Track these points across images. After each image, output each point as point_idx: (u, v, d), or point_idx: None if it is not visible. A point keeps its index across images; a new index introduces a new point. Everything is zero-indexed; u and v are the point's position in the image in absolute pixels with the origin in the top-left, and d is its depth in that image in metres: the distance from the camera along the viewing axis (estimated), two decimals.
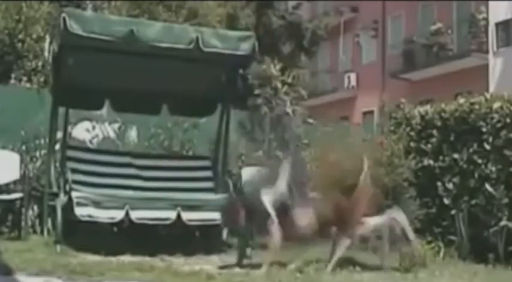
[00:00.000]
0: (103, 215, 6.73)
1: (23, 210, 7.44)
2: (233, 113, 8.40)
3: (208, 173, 8.12)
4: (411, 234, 6.45)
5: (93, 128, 9.28)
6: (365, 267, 6.17)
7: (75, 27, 6.64)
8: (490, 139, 7.45)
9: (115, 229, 7.80)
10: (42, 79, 14.19)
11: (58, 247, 6.43)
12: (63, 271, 5.29)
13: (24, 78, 14.92)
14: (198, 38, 6.97)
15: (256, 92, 9.12)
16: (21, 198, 7.41)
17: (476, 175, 7.53)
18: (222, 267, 6.10)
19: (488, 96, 7.82)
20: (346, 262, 6.20)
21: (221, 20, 22.94)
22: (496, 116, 7.44)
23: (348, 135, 9.17)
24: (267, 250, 6.19)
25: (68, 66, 7.09)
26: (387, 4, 26.52)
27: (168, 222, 6.97)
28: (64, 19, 6.63)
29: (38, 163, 8.29)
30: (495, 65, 21.91)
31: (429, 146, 8.08)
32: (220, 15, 23.99)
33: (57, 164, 7.60)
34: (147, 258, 6.24)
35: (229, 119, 8.22)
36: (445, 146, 7.91)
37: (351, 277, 5.81)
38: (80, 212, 6.58)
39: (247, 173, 7.47)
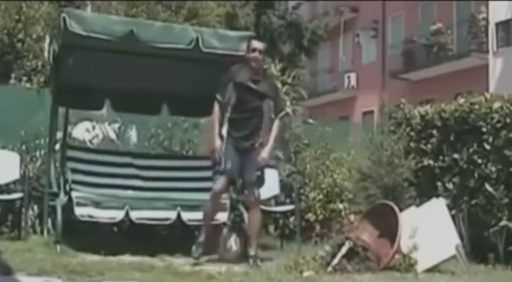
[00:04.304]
0: (103, 215, 6.73)
1: (23, 210, 7.44)
2: None
3: (208, 173, 8.09)
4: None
5: (93, 128, 9.28)
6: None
7: (75, 27, 6.61)
8: (490, 139, 7.43)
9: (115, 229, 7.81)
10: (42, 79, 14.18)
11: (58, 247, 6.42)
12: (63, 271, 5.28)
13: (24, 78, 14.92)
14: (198, 38, 6.95)
15: None
16: (21, 198, 7.40)
17: (476, 175, 7.51)
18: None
19: (488, 96, 7.80)
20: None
21: (221, 20, 22.93)
22: (496, 116, 7.42)
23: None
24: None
25: (68, 66, 7.08)
26: (387, 4, 26.53)
27: (168, 222, 6.98)
28: (64, 19, 6.60)
29: (38, 163, 8.30)
30: (495, 65, 21.91)
31: (429, 146, 8.07)
32: (220, 15, 23.98)
33: (57, 164, 7.59)
34: (147, 258, 6.23)
35: None
36: (445, 146, 7.90)
37: (351, 277, 5.80)
38: (80, 212, 6.58)
39: None
